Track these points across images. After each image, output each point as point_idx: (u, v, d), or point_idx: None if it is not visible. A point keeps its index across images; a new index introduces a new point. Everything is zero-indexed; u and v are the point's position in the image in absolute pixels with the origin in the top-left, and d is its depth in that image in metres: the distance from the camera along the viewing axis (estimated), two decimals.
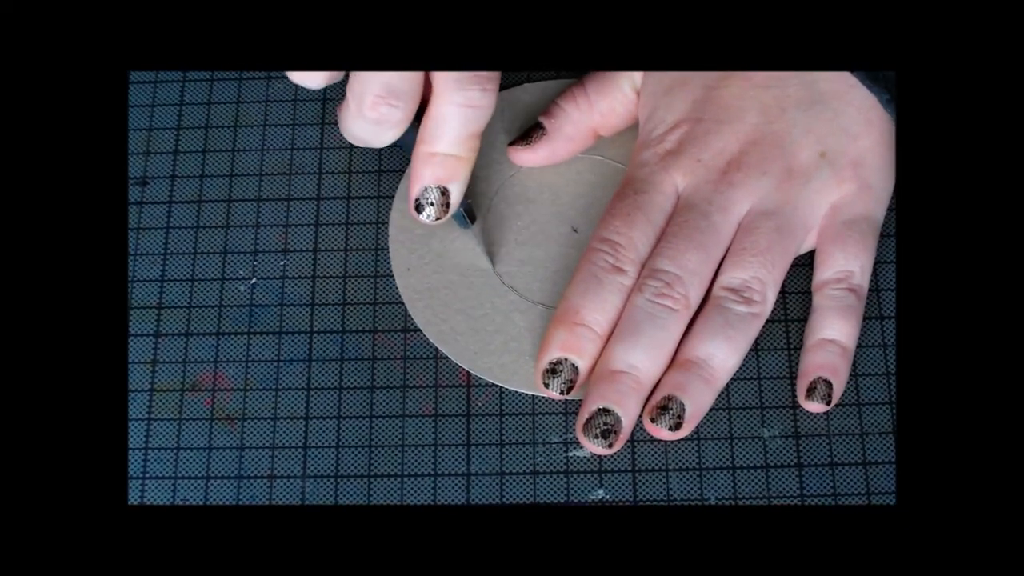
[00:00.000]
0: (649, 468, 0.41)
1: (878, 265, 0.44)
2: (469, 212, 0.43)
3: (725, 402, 0.42)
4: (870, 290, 0.43)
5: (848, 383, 0.42)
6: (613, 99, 0.45)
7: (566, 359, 0.40)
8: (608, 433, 0.40)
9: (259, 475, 0.41)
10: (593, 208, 0.45)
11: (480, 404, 0.42)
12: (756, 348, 0.43)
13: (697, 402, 0.40)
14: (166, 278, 0.44)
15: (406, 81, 0.39)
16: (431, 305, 0.43)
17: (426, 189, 0.41)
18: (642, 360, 0.40)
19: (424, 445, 0.41)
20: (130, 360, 0.43)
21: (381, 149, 0.46)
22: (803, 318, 0.43)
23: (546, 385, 0.41)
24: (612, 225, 0.42)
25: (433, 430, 0.42)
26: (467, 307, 0.43)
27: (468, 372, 0.42)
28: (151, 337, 0.43)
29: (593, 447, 0.40)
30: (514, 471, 0.41)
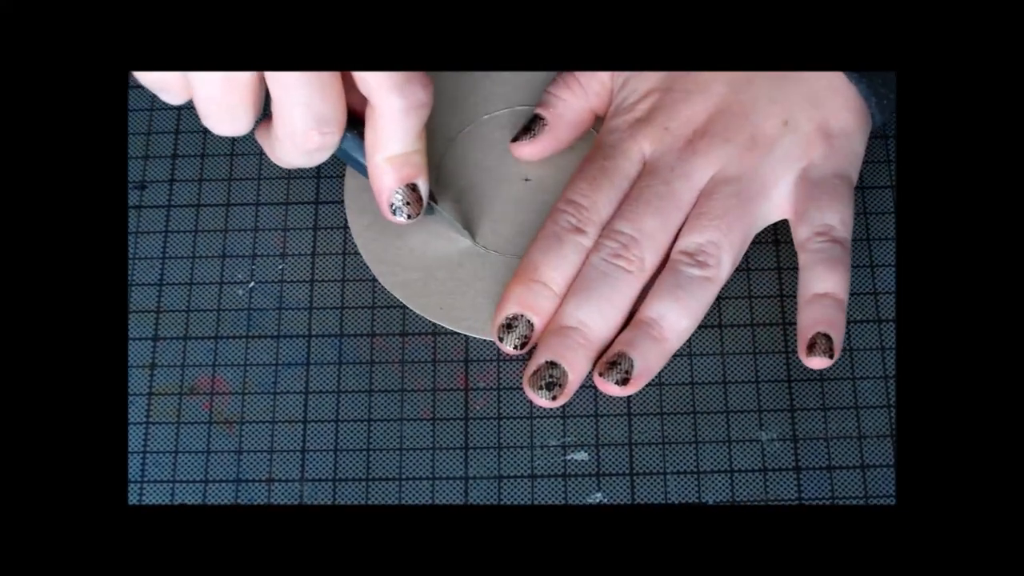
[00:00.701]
0: (647, 472, 0.41)
1: (876, 269, 0.44)
2: (431, 196, 0.43)
3: (723, 405, 0.42)
4: (868, 293, 0.43)
5: (846, 386, 0.42)
6: (602, 78, 0.45)
7: (522, 315, 0.41)
8: (552, 386, 0.40)
9: (257, 479, 0.41)
10: (548, 163, 0.46)
11: (478, 408, 0.42)
12: (754, 351, 0.43)
13: (646, 360, 0.41)
14: (164, 282, 0.44)
15: (331, 107, 0.38)
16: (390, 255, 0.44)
17: (397, 192, 0.41)
18: (592, 317, 0.41)
19: (422, 449, 0.42)
20: (129, 364, 0.43)
21: None
22: None
23: (501, 339, 0.42)
24: (578, 188, 0.43)
25: (431, 434, 0.42)
26: (431, 263, 0.44)
27: (466, 376, 0.43)
28: (150, 341, 0.43)
29: (536, 398, 0.41)
30: (512, 474, 0.41)
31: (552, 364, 0.41)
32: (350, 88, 0.39)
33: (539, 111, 0.45)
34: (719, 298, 0.43)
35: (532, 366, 0.41)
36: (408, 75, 0.38)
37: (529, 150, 0.45)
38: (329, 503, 0.41)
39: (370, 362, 0.43)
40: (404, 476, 0.41)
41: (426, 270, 0.44)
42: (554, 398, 0.41)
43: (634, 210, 0.42)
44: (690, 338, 0.43)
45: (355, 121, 0.40)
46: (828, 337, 0.41)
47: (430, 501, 0.41)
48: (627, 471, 0.41)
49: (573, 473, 0.41)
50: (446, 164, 0.46)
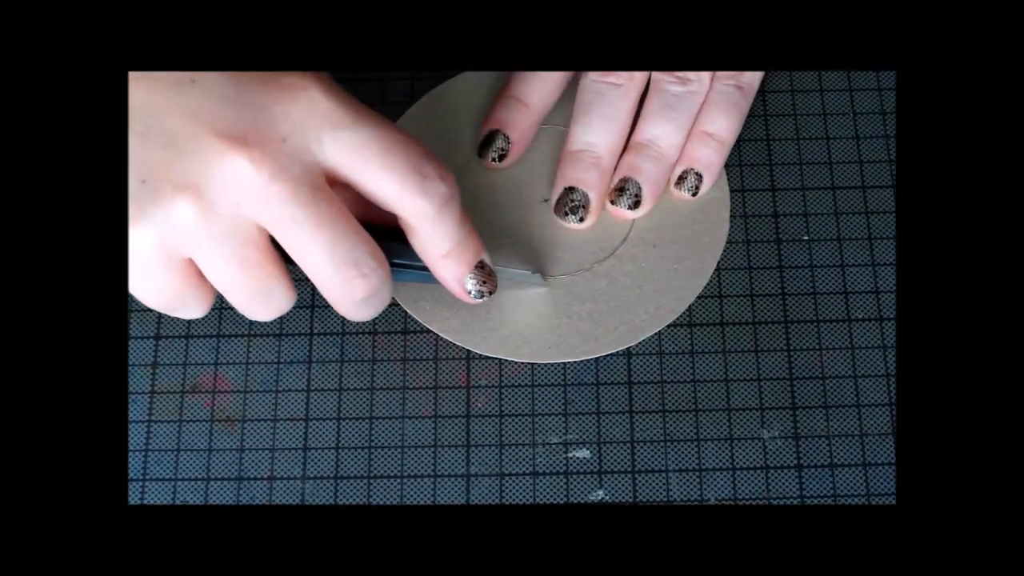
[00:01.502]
0: (649, 469, 0.41)
1: (878, 267, 0.44)
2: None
3: (725, 403, 0.42)
4: (870, 291, 0.43)
5: (848, 384, 0.42)
6: (543, 86, 0.46)
7: (498, 131, 0.45)
8: (576, 209, 0.44)
9: (259, 476, 0.41)
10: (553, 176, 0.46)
11: (480, 405, 0.42)
12: (756, 349, 0.43)
13: (650, 179, 0.44)
14: None
15: (355, 244, 0.35)
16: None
17: (469, 278, 0.39)
18: (597, 135, 0.44)
19: (424, 446, 0.42)
20: (131, 362, 0.43)
21: None
22: (803, 320, 0.43)
23: (480, 155, 0.45)
24: None
25: (433, 431, 0.42)
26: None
27: (467, 374, 0.43)
28: (152, 340, 0.44)
29: (567, 223, 0.44)
30: (514, 472, 0.41)
31: (571, 189, 0.44)
32: (368, 205, 0.36)
33: (500, 131, 0.45)
34: (721, 296, 0.43)
35: (554, 196, 0.44)
36: (421, 173, 0.35)
37: (498, 166, 0.46)
38: (331, 501, 0.41)
39: (372, 360, 0.43)
40: (406, 474, 0.41)
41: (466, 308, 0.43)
42: (581, 220, 0.44)
43: None
44: (692, 336, 0.43)
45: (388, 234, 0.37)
46: (699, 176, 0.44)
47: (432, 499, 0.41)
48: (629, 469, 0.41)
49: (575, 471, 0.41)
50: (461, 191, 0.45)
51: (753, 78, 0.45)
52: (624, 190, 0.44)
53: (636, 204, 0.44)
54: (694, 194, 0.44)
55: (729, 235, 0.45)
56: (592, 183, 0.44)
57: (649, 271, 0.44)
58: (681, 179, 0.44)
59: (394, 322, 0.44)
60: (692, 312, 0.43)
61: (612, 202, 0.44)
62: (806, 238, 0.45)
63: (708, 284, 0.43)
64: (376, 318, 0.43)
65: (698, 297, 0.43)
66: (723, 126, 0.44)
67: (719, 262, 0.44)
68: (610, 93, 0.44)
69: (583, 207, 0.44)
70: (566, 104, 0.47)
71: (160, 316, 0.44)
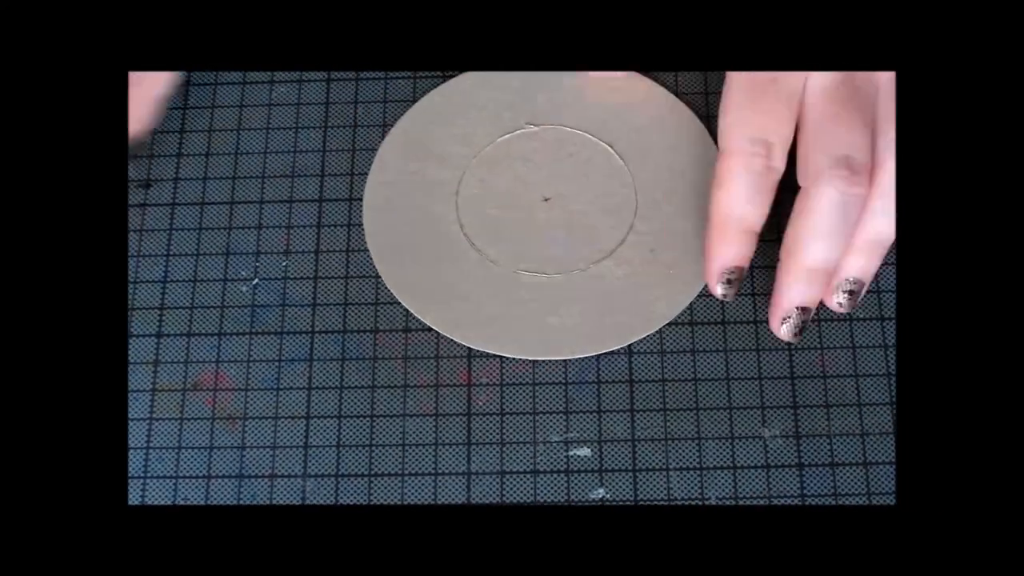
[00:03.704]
0: (650, 468, 0.41)
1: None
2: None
3: (726, 402, 0.42)
4: (871, 290, 0.43)
5: (849, 383, 0.42)
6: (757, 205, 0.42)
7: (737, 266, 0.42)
8: (799, 326, 0.41)
9: (260, 474, 0.41)
10: (558, 177, 0.46)
11: (481, 403, 0.42)
12: (757, 348, 0.43)
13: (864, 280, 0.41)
14: (169, 279, 0.45)
15: None
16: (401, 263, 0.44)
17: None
18: (832, 252, 0.40)
19: (425, 444, 0.42)
20: (132, 360, 0.43)
21: (377, 146, 0.46)
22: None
23: (722, 295, 0.42)
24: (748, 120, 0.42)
25: (434, 429, 0.42)
26: (439, 270, 0.44)
27: (468, 372, 0.43)
28: (153, 337, 0.44)
29: (784, 335, 0.41)
30: (515, 470, 0.41)
31: (804, 309, 0.41)
32: None
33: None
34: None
35: (781, 312, 0.41)
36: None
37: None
38: (332, 499, 0.41)
39: (373, 358, 0.43)
40: (406, 472, 0.41)
41: (464, 300, 0.44)
42: (796, 335, 0.41)
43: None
44: (693, 334, 0.43)
45: None
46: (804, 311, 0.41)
47: (432, 497, 0.41)
48: (630, 467, 0.41)
49: (576, 469, 0.41)
50: (463, 190, 0.46)
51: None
52: (855, 294, 0.41)
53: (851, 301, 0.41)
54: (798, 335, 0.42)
55: None
56: (815, 301, 0.41)
57: (645, 275, 0.44)
58: (785, 319, 0.42)
59: (395, 320, 0.44)
60: (693, 310, 0.43)
61: (839, 304, 0.41)
62: None
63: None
64: (377, 316, 0.44)
65: (699, 296, 0.43)
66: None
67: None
68: (851, 205, 0.39)
69: (804, 323, 0.41)
70: (568, 104, 0.47)
71: (162, 314, 0.44)
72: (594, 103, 0.47)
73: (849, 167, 0.39)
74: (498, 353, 0.43)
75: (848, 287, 0.41)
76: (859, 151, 0.40)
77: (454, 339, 0.43)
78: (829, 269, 0.41)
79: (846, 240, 0.40)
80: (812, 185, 0.40)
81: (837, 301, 0.41)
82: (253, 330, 0.44)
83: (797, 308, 0.41)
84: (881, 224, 0.40)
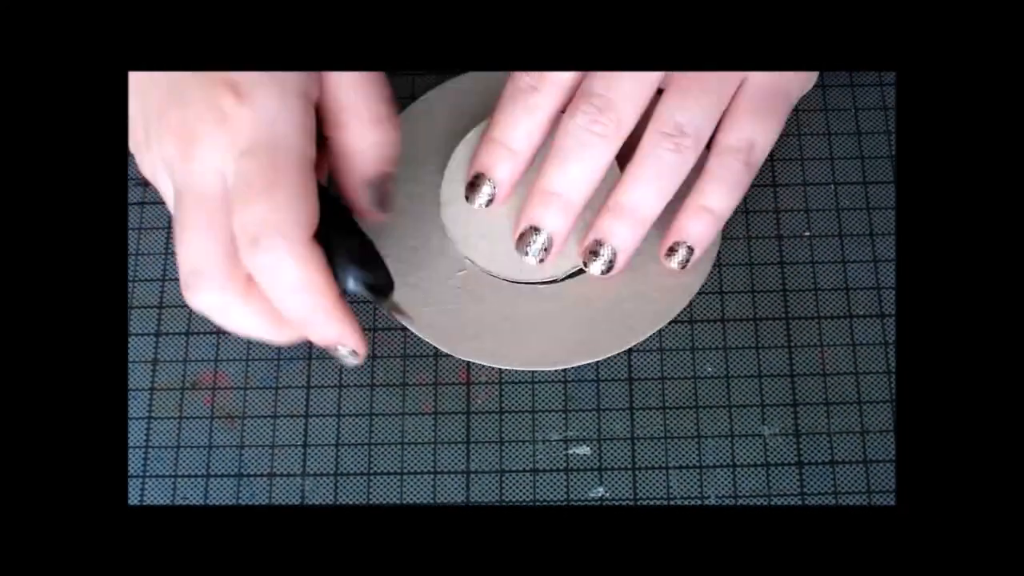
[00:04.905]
0: (649, 466, 0.41)
1: (879, 264, 0.44)
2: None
3: (726, 400, 0.42)
4: (871, 288, 0.43)
5: (849, 381, 0.42)
6: (526, 130, 0.43)
7: (484, 177, 0.43)
8: (539, 251, 0.42)
9: (259, 473, 0.41)
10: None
11: (480, 402, 0.42)
12: (757, 346, 0.43)
13: (626, 247, 0.42)
14: (167, 277, 0.44)
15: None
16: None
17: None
18: (573, 183, 0.41)
19: (424, 443, 0.41)
20: (131, 359, 0.43)
21: None
22: (805, 316, 0.43)
23: (467, 198, 0.43)
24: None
25: (433, 428, 0.42)
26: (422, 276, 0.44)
27: (467, 370, 0.43)
28: (152, 336, 0.44)
29: (526, 259, 0.43)
30: (514, 469, 0.41)
31: (536, 230, 0.42)
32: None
33: (487, 177, 0.43)
34: (722, 292, 0.43)
35: (518, 230, 0.42)
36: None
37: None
38: (331, 498, 0.41)
39: (372, 356, 0.43)
40: (406, 471, 0.41)
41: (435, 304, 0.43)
42: (541, 260, 0.42)
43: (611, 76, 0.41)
44: (692, 332, 0.43)
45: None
46: (691, 250, 0.42)
47: (431, 496, 0.41)
48: (629, 466, 0.41)
49: (575, 467, 0.41)
50: (444, 193, 0.45)
51: (762, 155, 0.43)
52: (598, 253, 0.42)
53: (609, 269, 0.42)
54: (683, 266, 0.42)
55: (730, 231, 0.44)
56: (560, 229, 0.42)
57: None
58: (672, 251, 0.42)
59: (394, 318, 0.43)
60: (693, 308, 0.43)
61: (585, 263, 0.42)
62: (807, 234, 0.44)
63: (709, 280, 0.43)
64: (376, 315, 0.43)
65: (699, 293, 0.43)
66: (723, 203, 0.42)
67: (720, 258, 0.44)
68: (593, 143, 0.41)
69: (545, 250, 0.42)
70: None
71: (160, 313, 0.44)
72: None
73: (679, 131, 0.41)
74: (498, 366, 0.42)
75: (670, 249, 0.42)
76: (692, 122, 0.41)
77: (454, 355, 0.43)
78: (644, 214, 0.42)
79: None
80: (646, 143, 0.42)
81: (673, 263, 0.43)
82: None
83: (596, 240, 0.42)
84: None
